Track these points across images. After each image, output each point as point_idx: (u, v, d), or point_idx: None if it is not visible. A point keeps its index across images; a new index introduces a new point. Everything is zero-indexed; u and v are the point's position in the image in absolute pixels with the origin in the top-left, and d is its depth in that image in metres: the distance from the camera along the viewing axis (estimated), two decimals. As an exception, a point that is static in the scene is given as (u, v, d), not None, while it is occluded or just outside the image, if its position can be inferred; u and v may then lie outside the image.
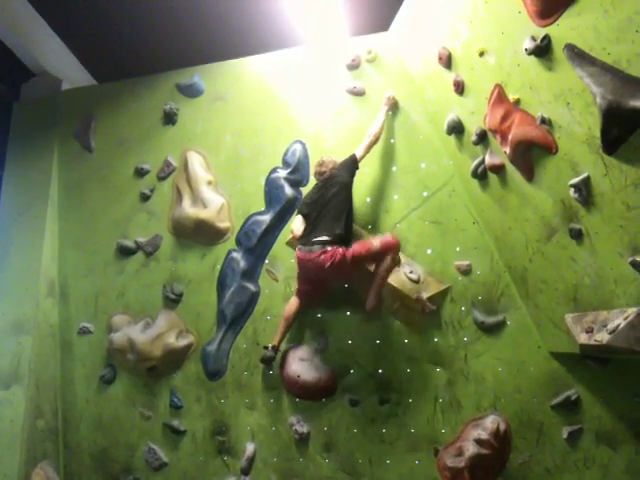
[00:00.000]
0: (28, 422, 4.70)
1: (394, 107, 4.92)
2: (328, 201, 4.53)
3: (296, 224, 4.73)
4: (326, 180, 4.65)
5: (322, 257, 4.34)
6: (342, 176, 4.60)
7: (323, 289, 4.71)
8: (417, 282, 4.54)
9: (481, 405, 4.34)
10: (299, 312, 4.69)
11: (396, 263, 4.55)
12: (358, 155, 4.66)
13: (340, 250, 4.35)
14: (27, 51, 6.13)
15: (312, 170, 4.98)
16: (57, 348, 5.28)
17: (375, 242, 4.46)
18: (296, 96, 5.31)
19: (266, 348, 4.61)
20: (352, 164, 4.65)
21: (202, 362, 4.99)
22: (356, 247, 4.43)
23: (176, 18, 6.14)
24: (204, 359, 4.99)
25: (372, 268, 4.51)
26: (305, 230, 4.62)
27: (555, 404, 4.17)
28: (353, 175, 4.65)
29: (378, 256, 4.41)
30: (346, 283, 4.74)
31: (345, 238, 4.49)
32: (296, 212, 4.84)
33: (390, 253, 4.41)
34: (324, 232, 4.44)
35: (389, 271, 4.46)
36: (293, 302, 4.70)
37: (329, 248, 4.36)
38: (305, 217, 4.68)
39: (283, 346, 4.72)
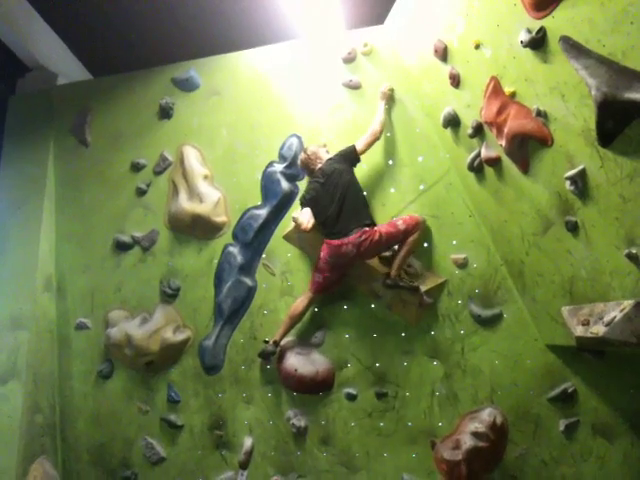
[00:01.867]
0: (26, 417, 4.71)
1: (390, 99, 4.90)
2: (342, 198, 4.53)
3: (304, 216, 4.63)
4: (328, 176, 4.61)
5: (362, 237, 4.40)
6: (346, 171, 4.63)
7: (343, 277, 4.72)
8: (414, 275, 4.53)
9: (478, 398, 4.36)
10: (308, 309, 4.71)
11: (421, 240, 4.62)
12: (358, 148, 4.66)
13: (375, 230, 4.46)
14: (23, 46, 6.11)
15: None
16: (55, 343, 5.27)
17: (399, 222, 4.52)
18: (292, 90, 5.28)
19: (266, 342, 4.62)
20: (352, 155, 4.66)
21: (199, 357, 4.99)
22: (384, 227, 4.52)
23: (172, 12, 6.12)
24: (201, 354, 4.99)
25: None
26: (324, 226, 4.61)
27: (552, 397, 4.18)
28: (354, 166, 4.69)
29: (405, 235, 4.48)
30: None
31: (374, 224, 4.58)
32: (300, 204, 4.79)
33: (417, 230, 4.50)
34: (354, 222, 4.49)
35: (416, 244, 4.53)
36: (304, 299, 4.68)
37: (367, 229, 4.43)
38: (316, 214, 4.64)
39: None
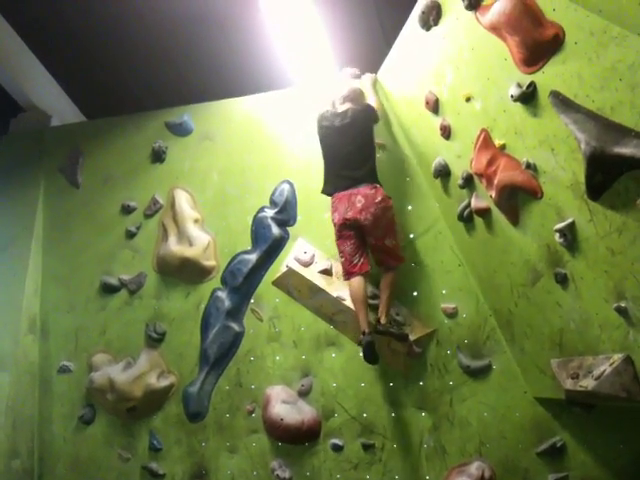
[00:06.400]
0: (3, 462, 4.59)
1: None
2: (361, 142, 4.58)
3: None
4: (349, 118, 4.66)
5: (376, 195, 4.41)
6: (367, 119, 4.68)
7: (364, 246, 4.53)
8: (403, 324, 4.50)
9: (466, 451, 4.27)
10: (365, 288, 4.44)
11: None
12: (377, 105, 4.79)
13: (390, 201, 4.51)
14: (17, 86, 6.16)
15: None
16: (36, 386, 5.16)
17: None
18: (284, 136, 5.33)
19: (364, 334, 4.23)
20: (373, 115, 4.73)
21: (183, 403, 4.90)
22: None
23: (167, 58, 6.22)
24: (185, 400, 4.90)
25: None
26: (332, 166, 4.65)
27: (540, 451, 4.10)
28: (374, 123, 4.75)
29: (394, 251, 4.50)
30: (378, 241, 4.47)
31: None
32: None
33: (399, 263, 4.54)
34: (367, 177, 4.50)
35: (395, 285, 4.48)
36: (356, 282, 4.42)
37: (377, 185, 4.49)
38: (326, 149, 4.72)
39: (264, 391, 4.68)
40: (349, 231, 4.47)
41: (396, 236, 4.55)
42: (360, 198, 4.40)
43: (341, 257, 4.55)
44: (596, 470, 4.00)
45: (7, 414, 4.74)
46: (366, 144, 4.62)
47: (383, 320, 4.32)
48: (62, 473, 4.99)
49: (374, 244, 4.48)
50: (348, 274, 4.47)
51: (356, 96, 4.85)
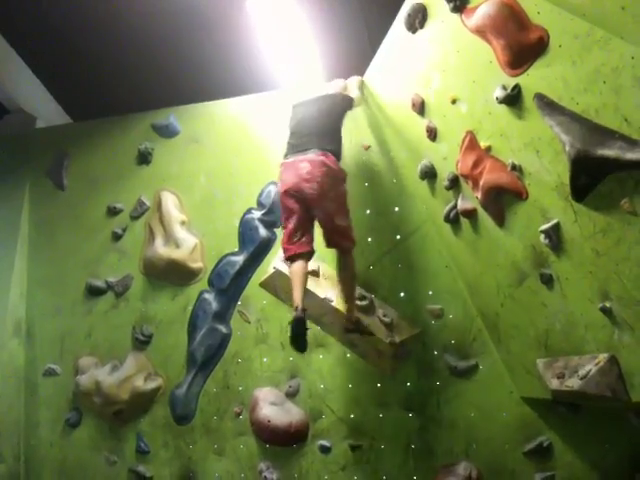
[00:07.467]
0: (-12, 467, 4.56)
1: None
2: (321, 116, 4.38)
3: None
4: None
5: (322, 158, 4.11)
6: (341, 101, 4.59)
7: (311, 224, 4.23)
8: (390, 326, 4.51)
9: (453, 451, 4.29)
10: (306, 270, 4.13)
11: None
12: (355, 100, 4.70)
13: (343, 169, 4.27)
14: (2, 88, 6.11)
15: None
16: (22, 390, 5.11)
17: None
18: (271, 138, 5.31)
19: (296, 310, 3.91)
20: (347, 101, 4.63)
21: (170, 406, 4.88)
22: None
23: (154, 59, 6.19)
24: (172, 403, 4.88)
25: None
26: (291, 138, 4.42)
27: (527, 450, 4.12)
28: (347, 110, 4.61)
29: (348, 232, 4.24)
30: (328, 219, 4.17)
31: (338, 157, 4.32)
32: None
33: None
34: (317, 143, 4.22)
35: (353, 271, 4.28)
36: (296, 266, 4.08)
37: (330, 154, 4.19)
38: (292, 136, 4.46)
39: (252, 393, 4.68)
40: (294, 203, 4.13)
41: (348, 216, 4.27)
42: (306, 164, 4.10)
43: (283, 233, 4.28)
44: (582, 470, 4.03)
45: (-8, 418, 4.72)
46: (333, 121, 4.43)
47: (350, 314, 4.21)
48: (48, 477, 4.96)
49: (323, 221, 4.19)
50: (285, 252, 4.16)
51: (338, 89, 4.77)
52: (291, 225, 4.12)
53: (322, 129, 4.32)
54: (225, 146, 5.45)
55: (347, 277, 4.27)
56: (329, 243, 4.28)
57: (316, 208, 4.13)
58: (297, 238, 4.10)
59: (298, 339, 3.81)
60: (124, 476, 4.85)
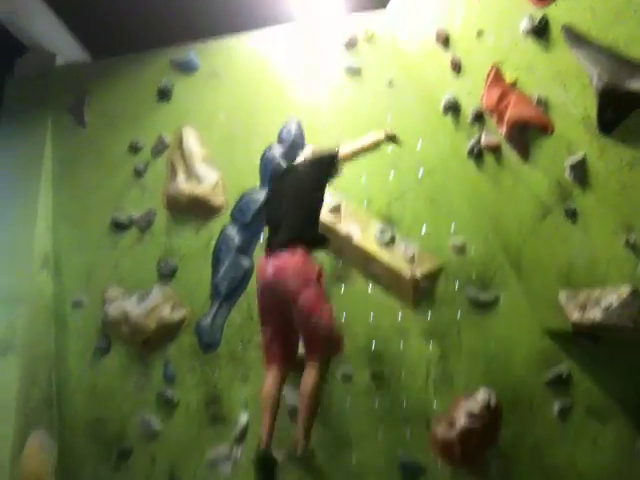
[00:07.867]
0: (23, 389, 4.73)
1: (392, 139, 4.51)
2: (295, 197, 3.99)
3: None
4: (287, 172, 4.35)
5: (293, 256, 3.71)
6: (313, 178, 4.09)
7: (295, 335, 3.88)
8: (412, 259, 4.59)
9: (473, 380, 4.41)
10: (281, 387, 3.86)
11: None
12: (342, 153, 4.14)
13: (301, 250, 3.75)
14: (20, 25, 6.05)
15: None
16: (51, 321, 5.27)
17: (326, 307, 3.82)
18: (291, 73, 5.31)
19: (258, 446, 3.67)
20: (330, 166, 4.14)
21: (196, 335, 5.01)
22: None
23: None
24: (198, 332, 5.01)
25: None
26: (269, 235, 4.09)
27: (547, 381, 4.24)
28: (330, 177, 4.19)
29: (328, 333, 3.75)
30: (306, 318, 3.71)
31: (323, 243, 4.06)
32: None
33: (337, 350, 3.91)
34: (296, 233, 3.84)
35: (316, 389, 3.66)
36: (268, 378, 3.82)
37: (301, 249, 3.76)
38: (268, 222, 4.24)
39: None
40: (271, 310, 3.92)
41: (329, 314, 3.82)
42: (275, 262, 3.78)
43: None
44: (601, 399, 4.13)
45: (25, 345, 4.87)
46: (312, 200, 4.02)
47: (299, 450, 3.63)
48: (80, 402, 5.11)
49: (298, 322, 3.76)
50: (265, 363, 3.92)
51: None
52: (267, 334, 3.94)
53: (296, 212, 3.94)
54: (245, 81, 5.44)
55: (306, 395, 3.67)
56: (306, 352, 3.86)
57: (291, 309, 3.73)
58: (272, 348, 3.90)
59: None
60: (153, 400, 4.99)
